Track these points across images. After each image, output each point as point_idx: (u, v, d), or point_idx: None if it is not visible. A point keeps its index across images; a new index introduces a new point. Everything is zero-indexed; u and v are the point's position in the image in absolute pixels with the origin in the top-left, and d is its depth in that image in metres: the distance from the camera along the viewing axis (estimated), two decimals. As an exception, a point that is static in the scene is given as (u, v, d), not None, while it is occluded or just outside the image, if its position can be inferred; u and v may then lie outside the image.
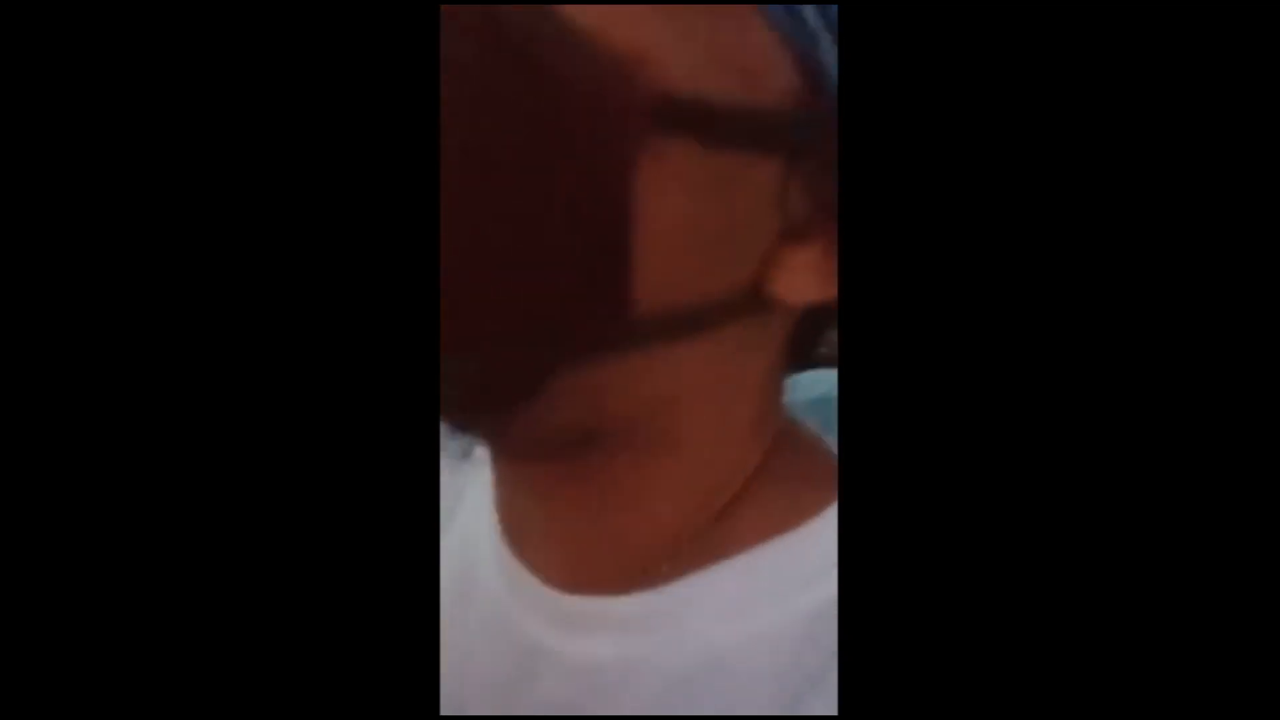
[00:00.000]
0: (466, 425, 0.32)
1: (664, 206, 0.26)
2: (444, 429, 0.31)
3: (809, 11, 0.28)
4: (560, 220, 0.26)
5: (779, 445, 0.34)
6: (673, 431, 0.31)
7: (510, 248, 0.27)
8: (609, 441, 0.31)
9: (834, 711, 0.31)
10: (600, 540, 0.33)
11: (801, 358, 0.35)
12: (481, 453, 0.34)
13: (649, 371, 0.29)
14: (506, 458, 0.34)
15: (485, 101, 0.26)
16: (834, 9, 0.28)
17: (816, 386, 0.51)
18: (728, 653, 0.31)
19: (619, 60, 0.24)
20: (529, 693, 0.34)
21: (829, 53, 0.29)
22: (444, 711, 0.35)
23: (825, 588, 0.31)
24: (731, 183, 0.27)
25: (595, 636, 0.32)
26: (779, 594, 0.31)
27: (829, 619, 0.30)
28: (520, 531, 0.35)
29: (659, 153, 0.26)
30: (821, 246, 0.30)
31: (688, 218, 0.27)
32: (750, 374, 0.32)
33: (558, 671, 0.33)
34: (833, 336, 0.35)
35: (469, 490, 0.39)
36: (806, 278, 0.30)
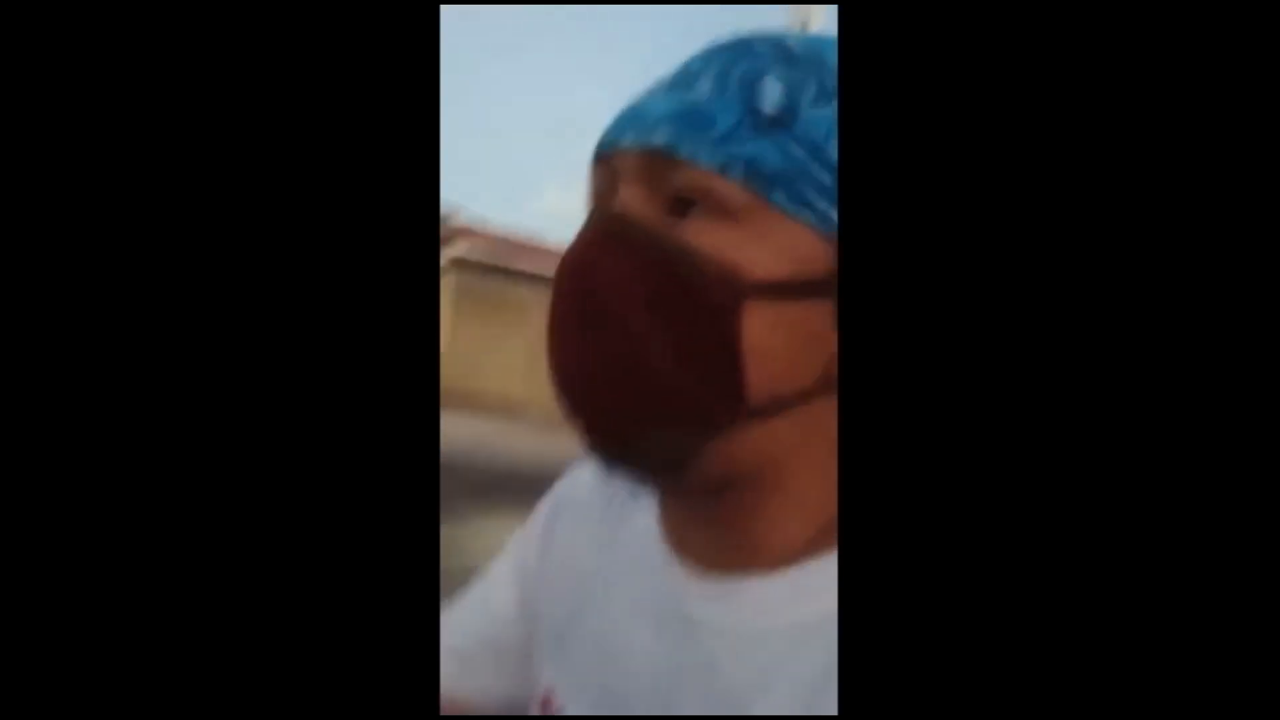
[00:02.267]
0: (646, 478, 0.49)
1: (759, 339, 0.44)
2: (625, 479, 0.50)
3: (833, 214, 0.44)
4: (700, 354, 0.44)
5: None
6: (778, 477, 0.47)
7: (677, 371, 0.44)
8: (739, 485, 0.48)
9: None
10: (735, 545, 0.49)
11: None
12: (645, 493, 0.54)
13: (762, 439, 0.46)
14: (672, 497, 0.53)
15: (655, 291, 0.43)
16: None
17: None
18: (815, 623, 0.46)
19: (723, 267, 0.43)
20: (683, 643, 0.50)
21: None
22: (611, 657, 0.53)
23: None
24: (797, 319, 0.44)
25: (728, 602, 0.49)
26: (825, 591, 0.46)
27: None
28: (681, 541, 0.53)
29: (752, 311, 0.43)
30: None
31: (774, 343, 0.44)
32: (830, 434, 0.47)
33: (702, 629, 0.49)
34: None
35: (637, 517, 0.57)
36: None
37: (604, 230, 0.45)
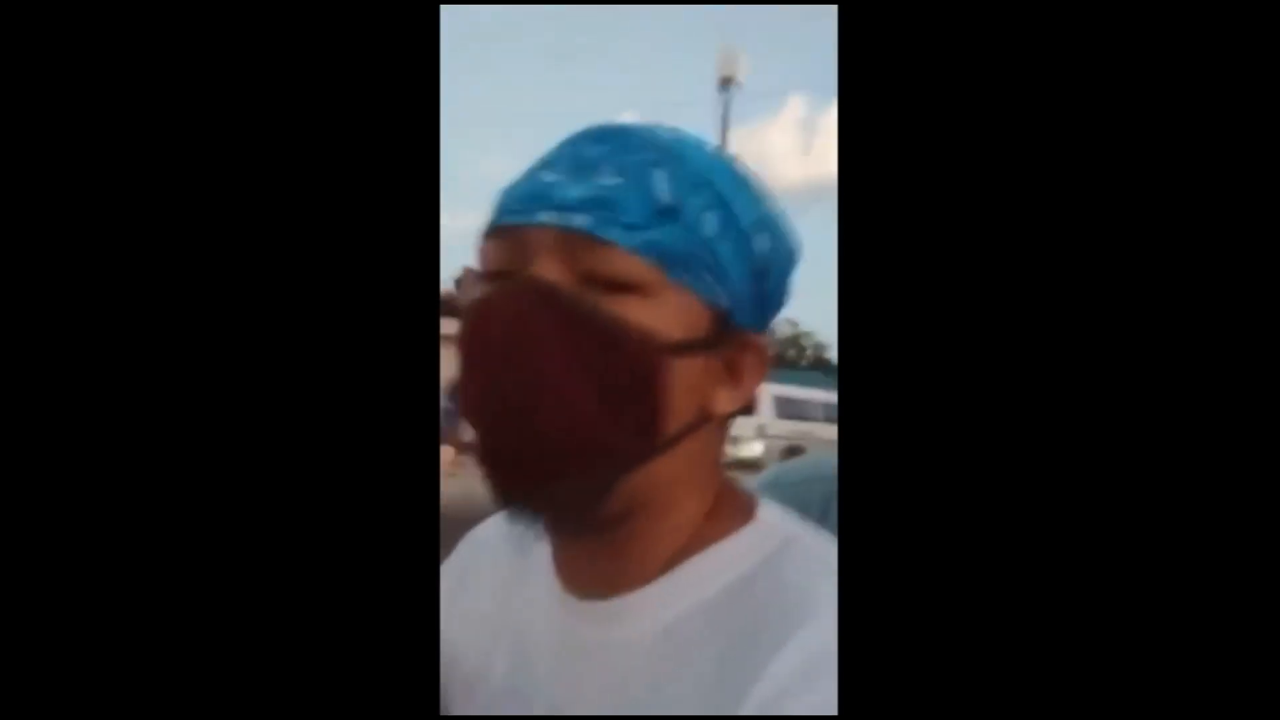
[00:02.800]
0: (553, 520, 0.56)
1: (672, 385, 0.53)
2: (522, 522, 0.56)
3: (712, 283, 0.54)
4: (624, 404, 0.52)
5: (719, 494, 0.60)
6: (665, 502, 0.57)
7: (600, 420, 0.52)
8: (632, 512, 0.56)
9: (761, 654, 0.51)
10: (619, 568, 0.57)
11: (727, 434, 0.63)
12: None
13: (656, 471, 0.55)
14: (564, 536, 0.59)
15: (588, 353, 0.51)
16: (732, 271, 0.55)
17: (794, 473, 0.99)
18: (678, 618, 0.56)
19: (642, 331, 0.52)
20: (574, 669, 0.58)
21: (723, 298, 0.55)
22: (510, 691, 0.60)
23: (736, 571, 0.56)
24: (687, 370, 0.54)
25: (614, 619, 0.57)
26: (712, 576, 0.56)
27: (742, 591, 0.55)
28: (570, 573, 0.60)
29: (669, 365, 0.53)
30: (731, 388, 0.57)
31: (681, 388, 0.54)
32: (707, 457, 0.58)
33: (599, 647, 0.57)
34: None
35: (535, 557, 0.63)
36: (726, 400, 0.57)
37: (533, 293, 0.52)
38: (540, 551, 0.63)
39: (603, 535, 0.56)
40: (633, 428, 0.53)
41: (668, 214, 0.53)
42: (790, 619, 0.51)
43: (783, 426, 11.59)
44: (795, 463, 1.29)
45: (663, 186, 0.53)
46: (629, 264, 0.52)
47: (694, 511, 0.57)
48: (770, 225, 0.57)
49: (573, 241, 0.52)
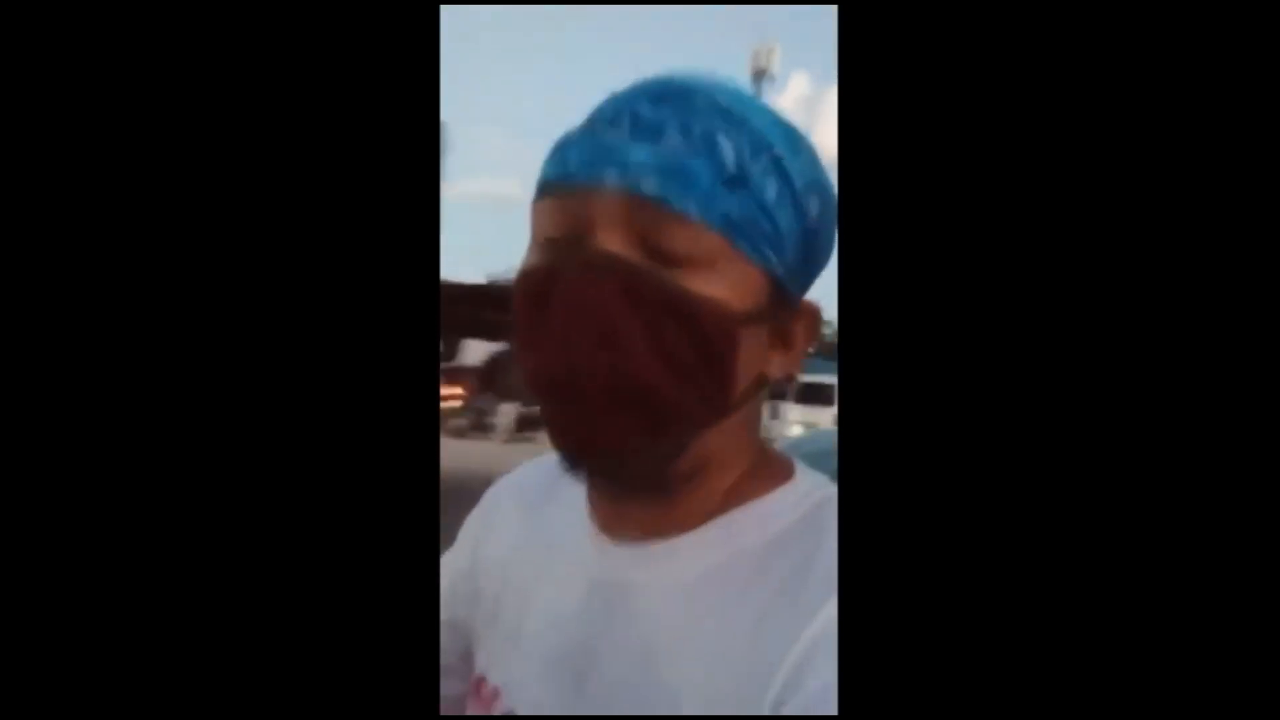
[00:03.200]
0: (635, 481, 0.58)
1: (740, 352, 0.54)
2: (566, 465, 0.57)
3: (771, 254, 0.54)
4: (697, 373, 0.53)
5: (759, 454, 0.61)
6: (723, 460, 0.58)
7: (674, 388, 0.53)
8: (687, 469, 0.57)
9: (792, 597, 0.52)
10: (660, 515, 0.58)
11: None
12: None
13: (718, 433, 0.56)
14: (627, 492, 0.59)
15: (662, 326, 0.52)
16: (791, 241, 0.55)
17: (814, 443, 1.11)
18: (721, 564, 0.56)
19: (714, 304, 0.52)
20: (608, 607, 0.58)
21: (780, 268, 0.55)
22: (538, 633, 0.61)
23: (778, 525, 0.57)
24: (750, 339, 0.55)
25: (652, 562, 0.58)
26: (754, 528, 0.57)
27: (784, 544, 0.55)
28: (607, 517, 0.61)
29: (738, 335, 0.53)
30: (783, 353, 0.58)
31: (747, 355, 0.54)
32: (754, 419, 0.60)
33: (626, 590, 0.58)
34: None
35: (564, 498, 0.65)
36: (779, 366, 0.58)
37: (604, 269, 0.52)
38: (572, 497, 0.63)
39: (648, 487, 0.57)
40: (704, 397, 0.53)
41: (735, 183, 0.52)
42: (831, 578, 0.51)
43: (800, 412, 11.57)
44: (810, 435, 1.34)
45: (729, 155, 0.52)
46: (699, 235, 0.51)
47: (735, 468, 0.58)
48: (820, 187, 0.56)
49: (641, 207, 0.51)
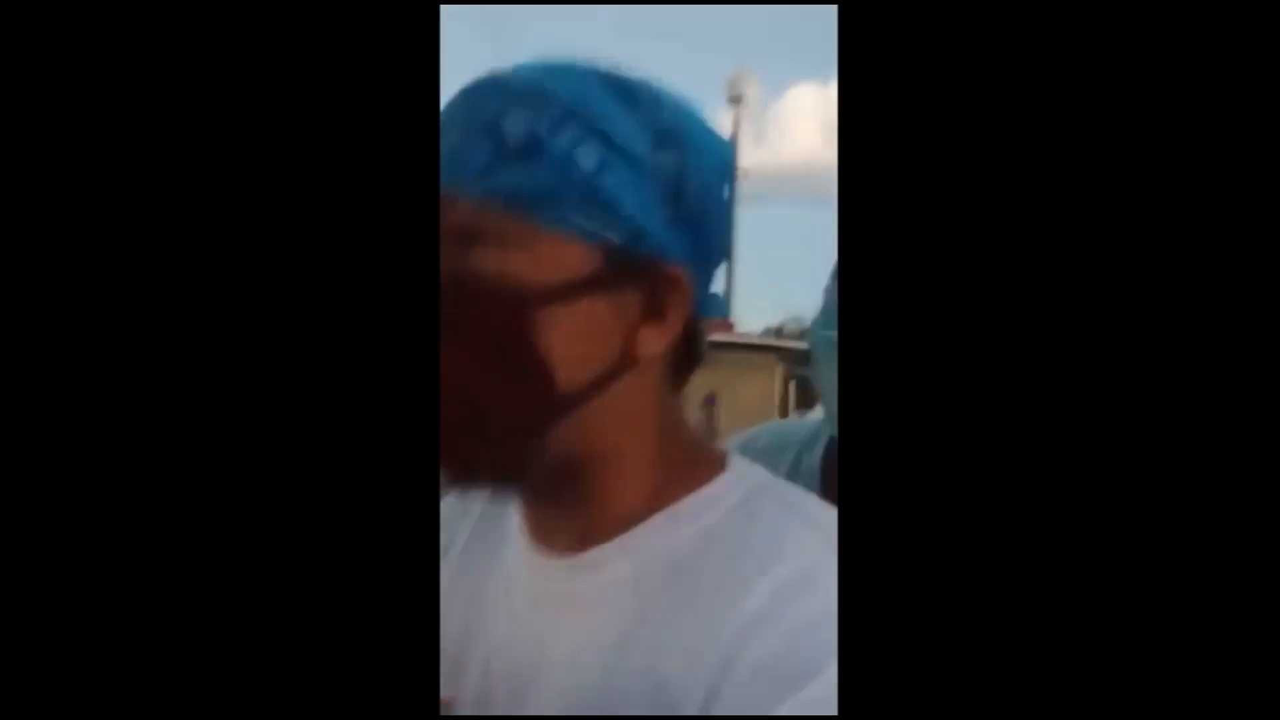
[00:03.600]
0: (497, 483, 0.56)
1: (555, 337, 0.51)
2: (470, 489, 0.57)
3: (588, 222, 0.51)
4: (507, 366, 0.51)
5: (686, 450, 0.58)
6: (616, 452, 0.55)
7: (490, 387, 0.51)
8: (580, 468, 0.55)
9: (738, 593, 0.51)
10: (584, 523, 0.56)
11: (682, 382, 0.60)
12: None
13: (580, 424, 0.53)
14: (527, 497, 0.59)
15: (459, 319, 0.49)
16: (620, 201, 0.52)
17: (759, 440, 1.17)
18: (656, 563, 0.54)
19: (510, 284, 0.50)
20: (546, 625, 0.57)
21: (612, 233, 0.51)
22: (484, 656, 0.59)
23: (711, 517, 0.55)
24: (583, 314, 0.51)
25: (583, 572, 0.56)
26: (685, 523, 0.55)
27: (717, 535, 0.54)
28: (539, 533, 0.59)
29: (542, 315, 0.50)
30: (652, 323, 0.53)
31: (568, 340, 0.51)
32: (650, 405, 0.56)
33: (576, 598, 0.56)
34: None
35: (509, 521, 0.63)
36: (648, 341, 0.53)
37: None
38: (512, 518, 0.62)
39: (559, 494, 0.56)
40: (520, 383, 0.51)
41: (522, 155, 0.50)
42: (764, 557, 0.51)
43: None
44: (760, 429, 1.28)
45: (515, 129, 0.50)
46: (476, 215, 0.50)
47: (650, 462, 0.56)
48: (676, 139, 0.53)
49: (442, 204, 0.50)
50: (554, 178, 0.50)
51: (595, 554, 0.56)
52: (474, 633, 0.61)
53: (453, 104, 0.53)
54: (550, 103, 0.51)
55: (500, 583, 0.61)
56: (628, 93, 0.53)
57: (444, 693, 0.63)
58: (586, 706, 0.53)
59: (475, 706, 0.59)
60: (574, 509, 0.56)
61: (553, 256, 0.51)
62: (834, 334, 1.03)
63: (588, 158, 0.51)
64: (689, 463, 0.57)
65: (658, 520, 0.55)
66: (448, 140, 0.51)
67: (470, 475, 0.54)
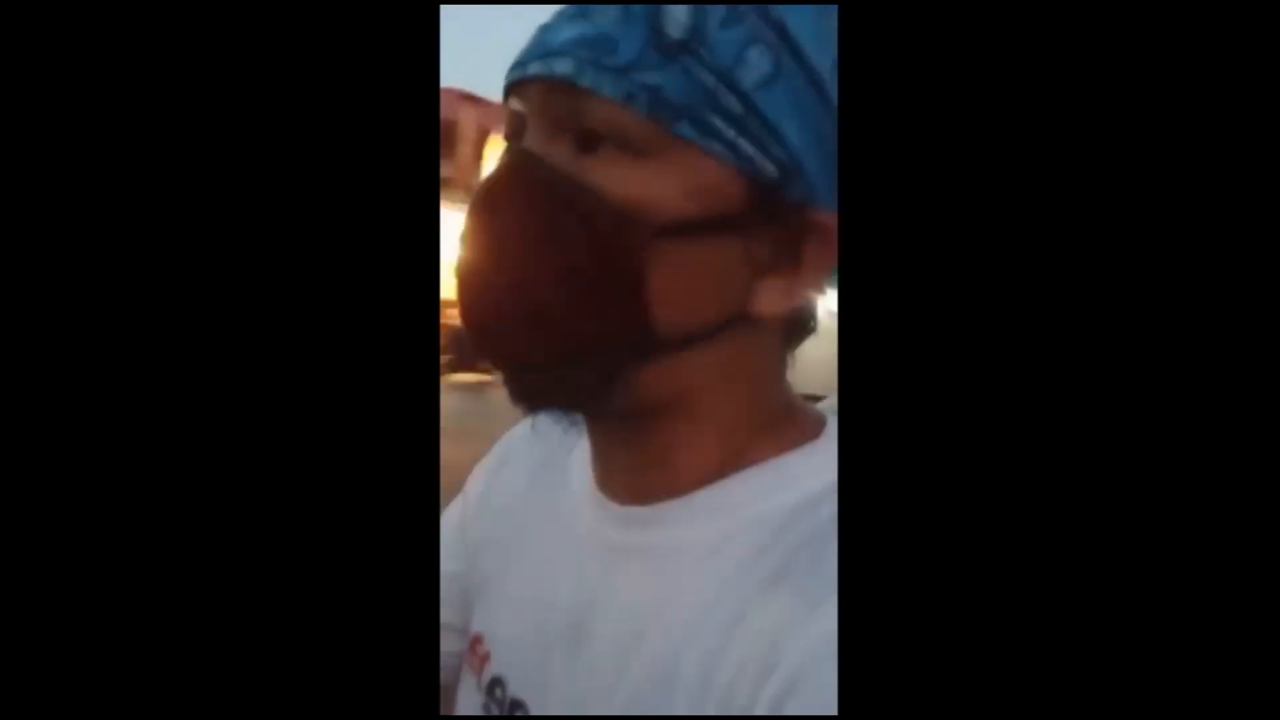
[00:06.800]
0: (568, 409, 0.49)
1: (663, 276, 0.44)
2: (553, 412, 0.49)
3: (744, 144, 0.43)
4: (604, 295, 0.44)
5: (781, 409, 0.51)
6: (691, 405, 0.49)
7: (579, 312, 0.44)
8: (655, 415, 0.49)
9: (803, 576, 0.45)
10: (654, 474, 0.51)
11: (794, 347, 0.52)
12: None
13: (673, 370, 0.47)
14: (596, 434, 0.53)
15: (558, 233, 0.43)
16: (772, 131, 0.44)
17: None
18: (729, 533, 0.48)
19: (630, 208, 0.43)
20: (604, 570, 0.52)
21: (767, 164, 0.44)
22: (535, 596, 0.56)
23: (800, 490, 0.48)
24: (706, 257, 0.45)
25: (647, 526, 0.51)
26: (770, 491, 0.48)
27: (806, 512, 0.47)
28: (605, 476, 0.54)
29: (658, 252, 0.44)
30: (784, 278, 0.46)
31: (681, 282, 0.45)
32: (752, 365, 0.49)
33: (622, 554, 0.51)
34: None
35: (569, 457, 0.58)
36: (774, 297, 0.47)
37: (510, 168, 0.44)
38: (575, 454, 0.57)
39: (630, 435, 0.50)
40: (619, 324, 0.44)
41: (677, 51, 0.42)
42: None
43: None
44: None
45: (675, 18, 0.42)
46: (618, 118, 0.42)
47: (736, 422, 0.49)
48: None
49: (557, 94, 0.43)
50: (707, 85, 0.42)
51: (660, 510, 0.50)
52: (522, 571, 0.57)
53: None
54: None
55: (557, 526, 0.56)
56: (822, 8, 0.45)
57: (477, 628, 0.60)
58: (639, 667, 0.48)
59: (518, 644, 0.55)
60: (646, 457, 0.50)
61: (687, 181, 0.43)
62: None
63: (760, 62, 0.42)
64: (780, 422, 0.51)
65: (729, 486, 0.49)
66: (591, 23, 0.43)
67: (545, 396, 0.47)
